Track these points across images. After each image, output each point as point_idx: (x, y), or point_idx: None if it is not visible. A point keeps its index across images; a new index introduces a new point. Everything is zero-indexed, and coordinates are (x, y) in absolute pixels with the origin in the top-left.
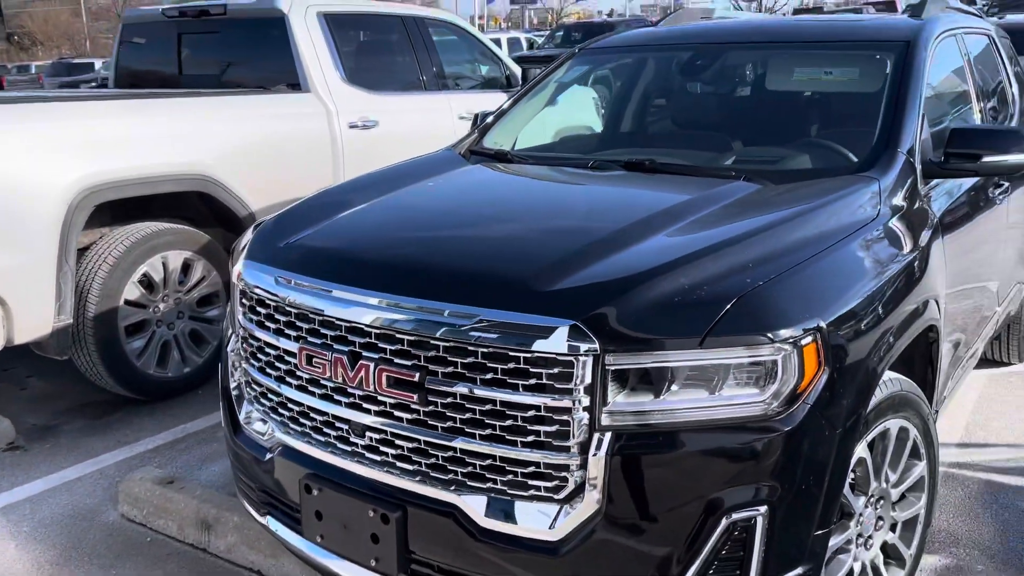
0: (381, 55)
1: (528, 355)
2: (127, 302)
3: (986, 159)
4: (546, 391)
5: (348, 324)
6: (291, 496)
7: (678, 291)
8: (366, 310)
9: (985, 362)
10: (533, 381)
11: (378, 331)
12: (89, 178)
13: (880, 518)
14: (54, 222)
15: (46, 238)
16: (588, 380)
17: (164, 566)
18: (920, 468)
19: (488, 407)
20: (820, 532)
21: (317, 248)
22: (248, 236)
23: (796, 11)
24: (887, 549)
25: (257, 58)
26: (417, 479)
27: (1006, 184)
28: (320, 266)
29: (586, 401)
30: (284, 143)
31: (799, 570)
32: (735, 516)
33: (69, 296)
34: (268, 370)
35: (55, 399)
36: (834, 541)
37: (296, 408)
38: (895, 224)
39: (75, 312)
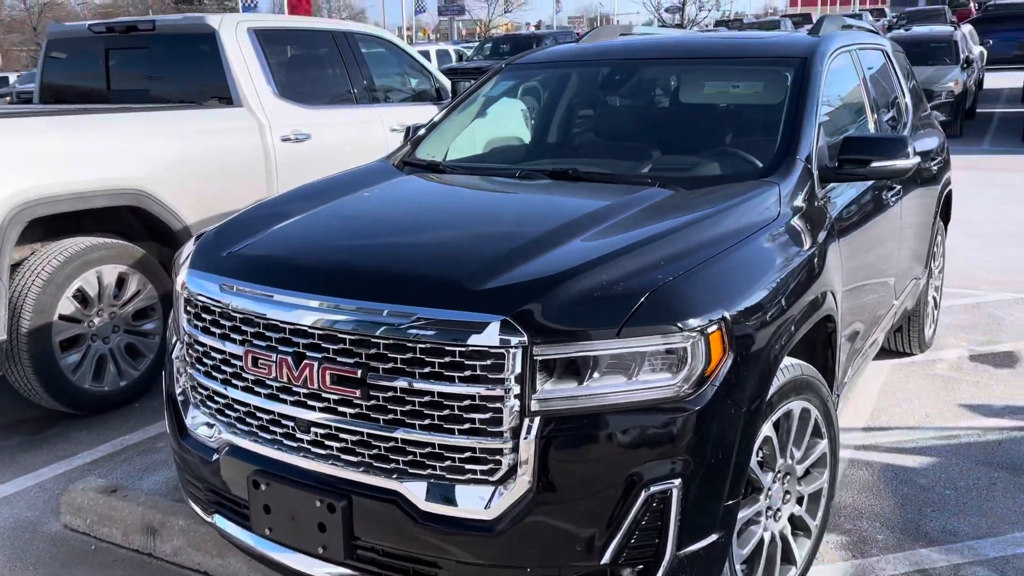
0: (312, 69)
1: (463, 349)
2: (61, 317)
3: (874, 164)
4: (480, 382)
5: (292, 326)
6: (239, 492)
7: (597, 287)
8: (309, 312)
9: (889, 353)
10: (468, 373)
11: (321, 332)
12: (21, 194)
13: (787, 492)
14: None
15: None
16: (518, 370)
17: (110, 572)
18: (822, 446)
19: (427, 399)
20: (730, 503)
21: (260, 256)
22: (190, 247)
23: (717, 23)
24: (795, 521)
25: (187, 73)
26: (361, 469)
27: (898, 187)
28: (264, 273)
29: (516, 389)
30: (218, 157)
31: (712, 537)
32: (653, 489)
33: (2, 312)
34: (214, 374)
35: None
36: (745, 513)
37: (242, 409)
38: (794, 224)
39: (9, 328)
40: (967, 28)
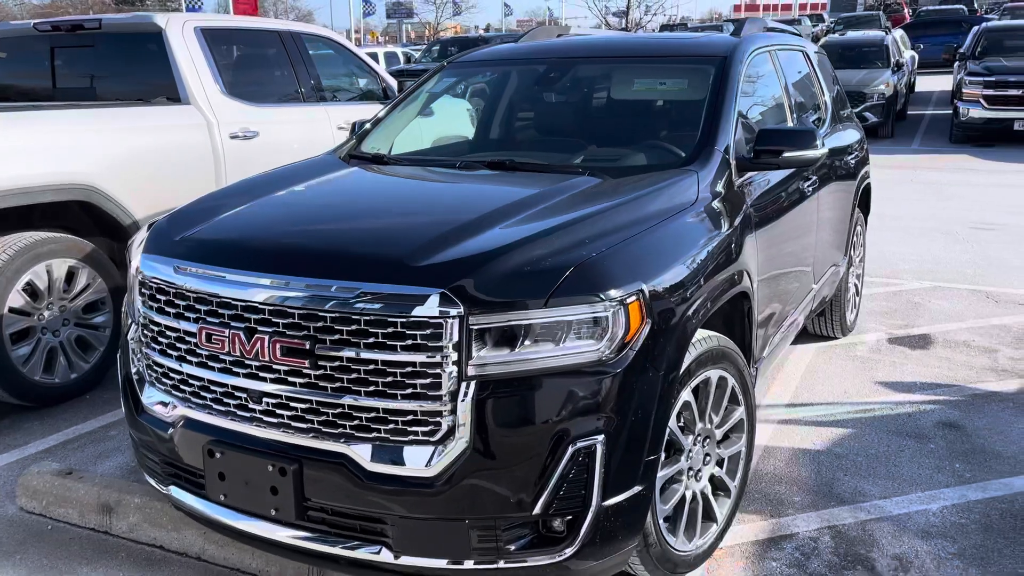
0: (259, 69)
1: (405, 320)
2: (11, 310)
3: (786, 154)
4: (420, 350)
5: (243, 303)
6: (194, 462)
7: (526, 262)
8: (260, 290)
9: (814, 337)
10: (409, 342)
11: (271, 307)
12: None
13: (707, 455)
14: None
15: None
16: (455, 339)
17: (68, 548)
18: (739, 412)
19: (371, 367)
20: (650, 458)
21: (212, 239)
22: (143, 234)
23: (662, 27)
24: (715, 481)
25: (134, 72)
26: (310, 435)
27: (815, 178)
28: (216, 254)
29: (454, 356)
30: (166, 153)
31: (635, 489)
32: (578, 445)
33: None
34: (168, 351)
35: None
36: (667, 471)
37: (197, 383)
38: (711, 208)
39: None
40: (898, 33)
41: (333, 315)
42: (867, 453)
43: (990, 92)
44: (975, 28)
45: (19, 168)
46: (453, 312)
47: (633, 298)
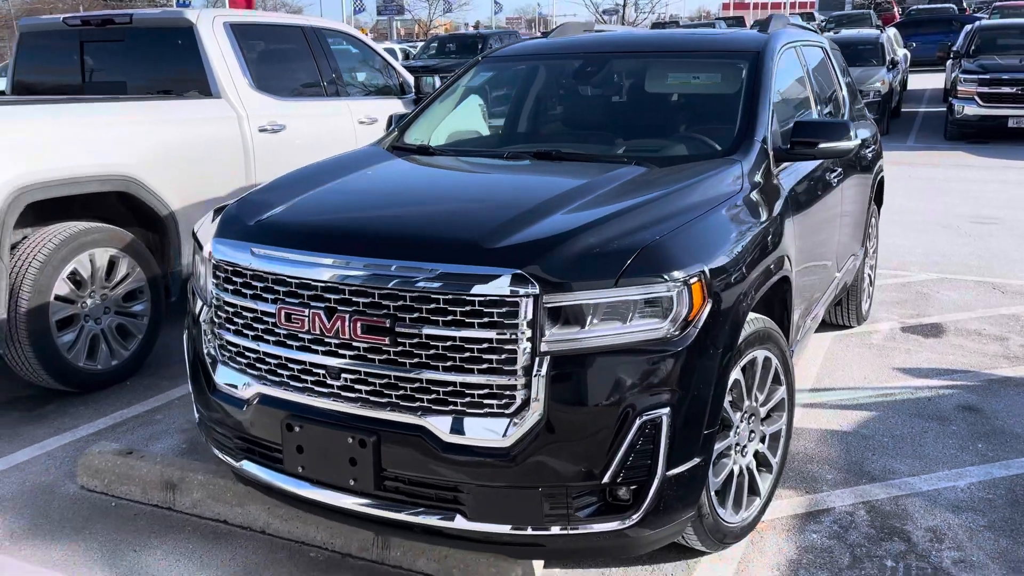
0: (285, 63)
1: (482, 299)
2: (57, 297)
3: (821, 145)
4: (496, 327)
5: (324, 284)
6: (271, 437)
7: (595, 245)
8: (340, 271)
9: (830, 326)
10: (486, 320)
11: (352, 288)
12: (20, 178)
13: (752, 431)
14: None
15: None
16: (530, 316)
17: (134, 524)
18: (781, 391)
19: (449, 344)
20: (708, 431)
21: (289, 223)
22: (208, 221)
23: (654, 25)
24: (759, 457)
25: (164, 66)
26: (388, 409)
27: (839, 170)
28: (294, 237)
29: (528, 333)
30: (200, 146)
31: (695, 460)
32: (645, 417)
33: (3, 292)
34: (244, 331)
35: None
36: (718, 446)
37: (273, 361)
38: (755, 197)
39: (8, 308)
40: (892, 31)
41: (413, 294)
42: (892, 434)
43: (985, 90)
44: (968, 27)
45: (67, 158)
46: (528, 291)
47: (695, 279)
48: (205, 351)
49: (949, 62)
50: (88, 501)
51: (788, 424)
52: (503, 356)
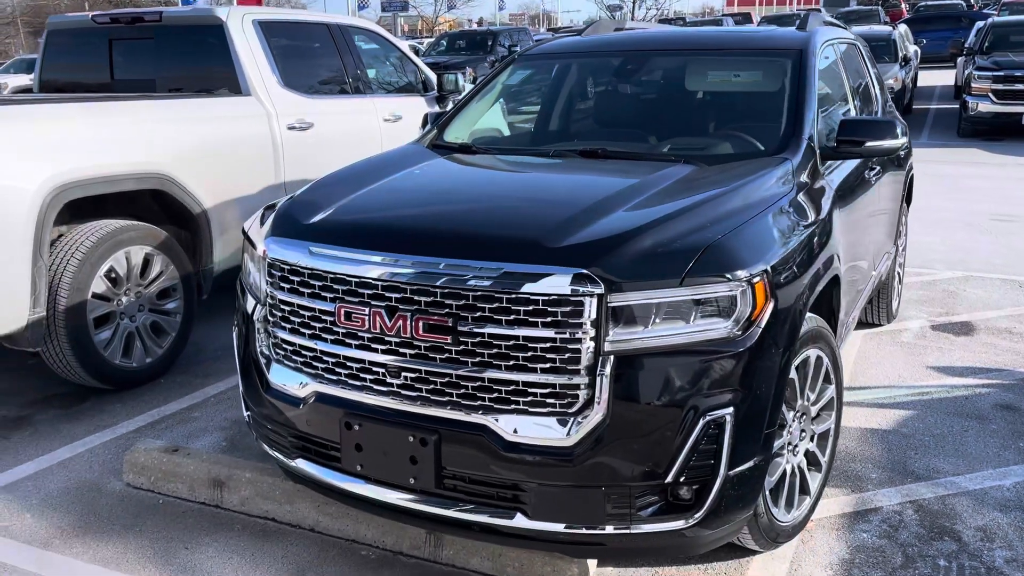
0: (312, 60)
1: (545, 298)
2: (94, 295)
3: (868, 144)
4: (561, 326)
5: (385, 283)
6: (328, 435)
7: (659, 244)
8: (401, 270)
9: (860, 324)
10: (550, 319)
11: (414, 287)
12: (60, 176)
13: (803, 430)
14: (29, 218)
15: (22, 234)
16: (594, 316)
17: (183, 521)
18: (831, 390)
19: (512, 343)
20: (768, 431)
21: (347, 222)
22: (258, 219)
23: (659, 21)
24: (809, 456)
25: (193, 63)
26: (449, 408)
27: (878, 168)
28: (354, 236)
29: (592, 332)
30: (232, 144)
31: (755, 460)
32: (709, 416)
33: (43, 290)
34: (301, 330)
35: (17, 394)
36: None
37: (331, 359)
38: (807, 195)
39: (47, 305)
40: (903, 28)
41: (476, 293)
42: (932, 433)
43: (999, 87)
44: (980, 23)
45: (104, 156)
46: (592, 291)
47: (759, 278)
48: (258, 349)
49: (961, 59)
50: (135, 498)
51: (836, 423)
52: (566, 355)
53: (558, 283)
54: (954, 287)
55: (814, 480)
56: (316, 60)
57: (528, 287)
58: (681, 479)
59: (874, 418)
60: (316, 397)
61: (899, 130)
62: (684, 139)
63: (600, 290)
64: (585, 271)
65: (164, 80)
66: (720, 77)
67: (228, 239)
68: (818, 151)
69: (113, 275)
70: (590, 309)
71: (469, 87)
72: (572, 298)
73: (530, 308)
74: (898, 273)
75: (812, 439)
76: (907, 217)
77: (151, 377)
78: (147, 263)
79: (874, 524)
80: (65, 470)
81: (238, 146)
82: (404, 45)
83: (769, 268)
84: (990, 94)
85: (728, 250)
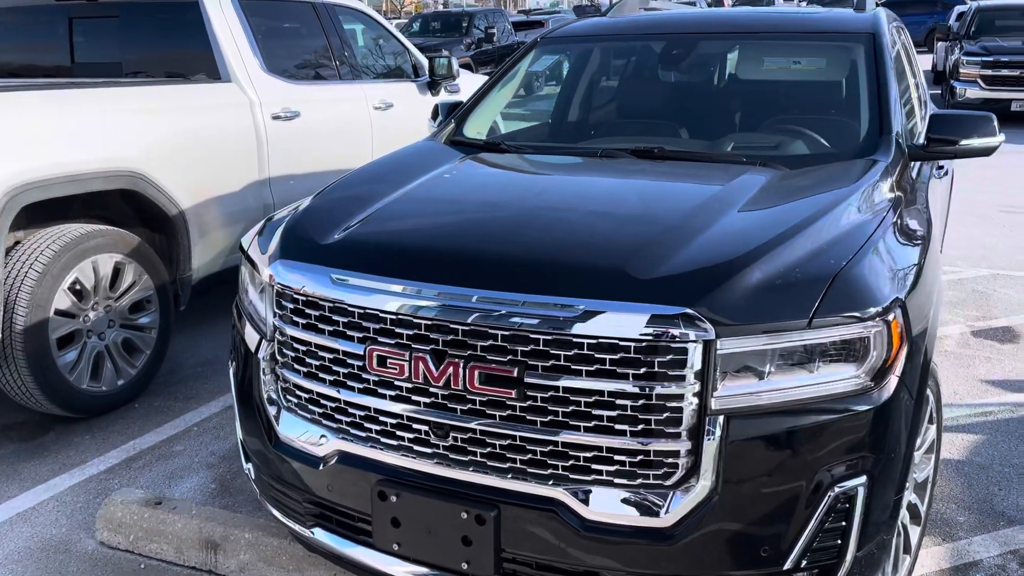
0: (296, 43)
1: (637, 344)
2: (57, 312)
3: (963, 142)
4: (656, 379)
5: (430, 322)
6: (356, 505)
7: (777, 275)
8: (452, 305)
9: None
10: (643, 370)
11: (467, 327)
12: (15, 176)
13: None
14: None
15: None
16: (698, 366)
17: None
18: (932, 432)
19: (593, 399)
20: (898, 497)
21: (377, 243)
22: (257, 233)
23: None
24: (910, 508)
25: (166, 46)
26: (511, 476)
27: (945, 166)
28: (389, 261)
29: (696, 387)
30: (211, 136)
31: (885, 535)
32: (838, 489)
33: None
34: (321, 375)
35: None
36: None
37: (359, 412)
38: (911, 206)
39: (2, 325)
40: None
41: (547, 337)
42: (1011, 463)
43: (988, 72)
44: (960, 7)
45: (67, 153)
46: (698, 334)
47: (893, 315)
48: (264, 394)
49: (942, 44)
50: (111, 562)
51: (935, 467)
52: (664, 415)
53: (654, 325)
54: (983, 287)
55: (914, 535)
56: (301, 42)
57: (611, 329)
58: (802, 564)
59: (943, 445)
60: (339, 457)
61: (995, 126)
62: (746, 136)
63: (709, 335)
64: (689, 310)
65: (132, 64)
66: (780, 64)
67: (208, 243)
68: (905, 151)
69: (78, 287)
70: (694, 358)
71: (461, 72)
72: (672, 344)
73: (617, 356)
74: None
75: (914, 489)
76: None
77: (124, 402)
78: (117, 273)
79: None
80: (27, 524)
81: (218, 139)
82: (392, 26)
83: (903, 301)
84: (979, 80)
85: (858, 281)
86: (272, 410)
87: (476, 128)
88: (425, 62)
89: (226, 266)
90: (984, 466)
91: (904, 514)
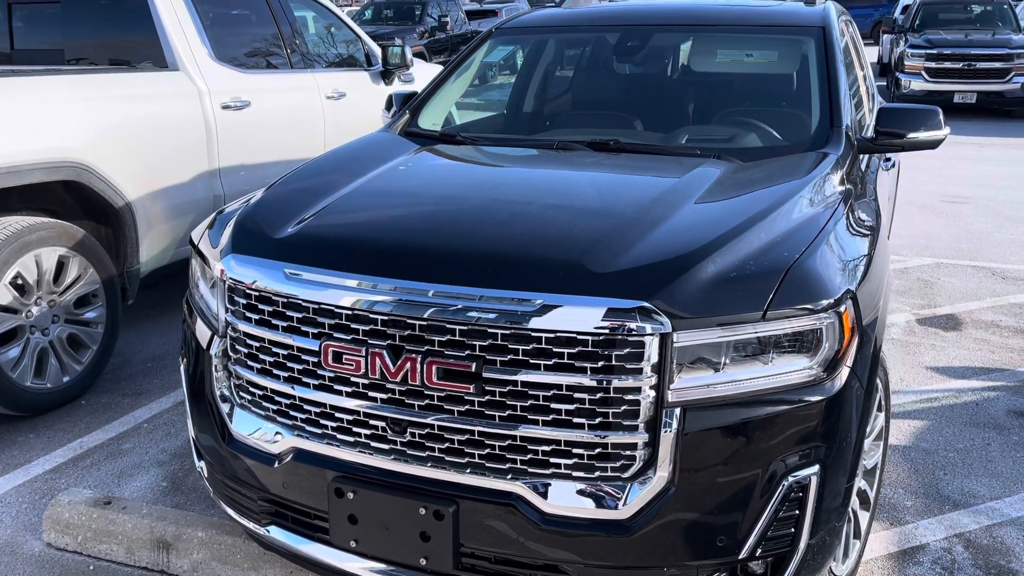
0: (246, 30)
1: (595, 338)
2: None
3: (911, 136)
4: (614, 372)
5: (387, 317)
6: (312, 502)
7: (732, 267)
8: (409, 300)
9: None
10: (600, 364)
11: (426, 323)
12: None
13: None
14: None
15: None
16: (655, 359)
17: None
18: (881, 419)
19: (551, 392)
20: (848, 484)
21: (332, 236)
22: (207, 227)
23: None
24: (860, 495)
25: (110, 32)
26: (470, 471)
27: (892, 158)
28: (345, 255)
29: (653, 379)
30: (158, 126)
31: (836, 522)
32: (792, 478)
33: None
34: (274, 371)
35: None
36: None
37: (314, 409)
38: (861, 198)
39: None
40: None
41: (504, 331)
42: (955, 448)
43: (932, 65)
44: (904, 1)
45: (7, 143)
46: (654, 327)
47: (845, 306)
48: (217, 391)
49: (887, 36)
50: (59, 563)
51: (883, 454)
52: (621, 408)
53: (611, 318)
54: (928, 275)
55: (864, 520)
56: (251, 30)
57: (569, 323)
58: (757, 552)
59: (891, 431)
60: (295, 454)
61: (941, 119)
62: (700, 128)
63: (665, 327)
64: (646, 303)
65: (74, 51)
66: (730, 57)
67: (156, 235)
68: (855, 144)
69: (20, 282)
70: (651, 350)
71: (414, 61)
72: (629, 338)
73: (575, 350)
74: None
75: (863, 475)
76: None
77: (70, 399)
78: (61, 267)
79: (926, 566)
80: None
81: (166, 128)
82: (344, 14)
83: (854, 293)
84: (923, 72)
85: (811, 273)
86: (225, 407)
87: (431, 119)
88: (378, 51)
89: (175, 259)
90: (930, 451)
91: (854, 500)
